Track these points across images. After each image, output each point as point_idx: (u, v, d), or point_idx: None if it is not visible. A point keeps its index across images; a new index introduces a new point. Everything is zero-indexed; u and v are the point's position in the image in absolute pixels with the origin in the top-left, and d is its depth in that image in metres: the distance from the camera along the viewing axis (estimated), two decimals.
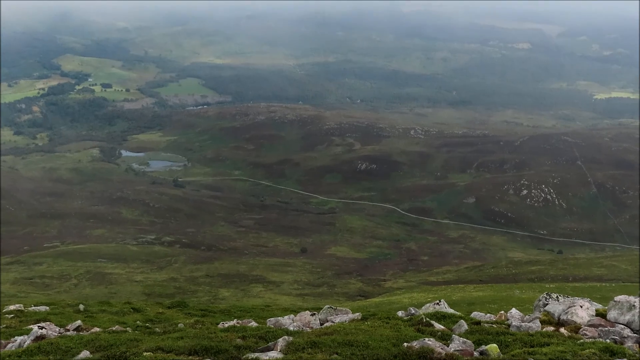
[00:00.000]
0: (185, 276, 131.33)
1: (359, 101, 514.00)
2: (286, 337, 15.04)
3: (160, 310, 33.26)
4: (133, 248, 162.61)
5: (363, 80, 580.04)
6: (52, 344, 15.83)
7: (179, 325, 22.27)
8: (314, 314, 21.13)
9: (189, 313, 32.65)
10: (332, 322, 19.98)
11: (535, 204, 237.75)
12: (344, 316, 20.67)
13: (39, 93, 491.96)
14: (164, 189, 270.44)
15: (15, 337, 18.84)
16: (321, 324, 19.99)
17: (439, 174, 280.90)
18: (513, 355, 14.60)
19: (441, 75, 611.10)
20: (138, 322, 26.42)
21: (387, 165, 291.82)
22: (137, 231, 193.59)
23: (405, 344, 15.20)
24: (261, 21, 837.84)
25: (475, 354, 15.29)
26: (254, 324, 20.47)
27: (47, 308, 29.34)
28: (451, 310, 21.18)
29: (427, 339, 15.53)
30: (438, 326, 18.15)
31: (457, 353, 14.82)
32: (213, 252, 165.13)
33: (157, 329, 21.43)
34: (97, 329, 21.27)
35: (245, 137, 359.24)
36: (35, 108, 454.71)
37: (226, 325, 20.62)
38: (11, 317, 25.25)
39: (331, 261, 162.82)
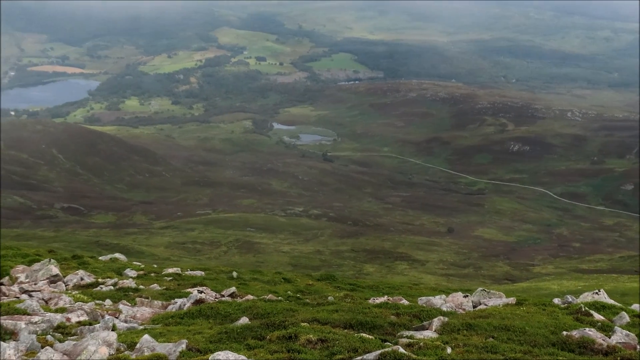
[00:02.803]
0: (330, 249, 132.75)
1: (514, 80, 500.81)
2: (441, 317, 14.84)
3: (310, 282, 33.65)
4: (281, 219, 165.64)
5: (518, 59, 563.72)
6: (212, 308, 16.28)
7: (329, 298, 22.42)
8: (467, 295, 20.81)
9: (337, 286, 32.89)
10: (485, 305, 19.60)
11: None
12: (497, 300, 20.23)
13: (196, 64, 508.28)
14: (313, 163, 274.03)
15: (175, 299, 19.50)
16: (474, 307, 19.65)
17: (595, 159, 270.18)
18: None
19: (602, 55, 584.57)
20: (289, 292, 26.81)
21: (540, 147, 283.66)
22: (286, 203, 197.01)
23: (564, 332, 14.68)
24: None
25: (639, 347, 14.60)
26: (405, 301, 20.32)
27: (203, 273, 30.23)
28: (611, 301, 20.33)
29: (587, 328, 14.94)
30: (597, 316, 17.45)
31: (619, 345, 14.19)
32: (359, 227, 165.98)
33: (307, 300, 21.65)
34: (250, 297, 21.72)
35: (395, 113, 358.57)
36: (192, 79, 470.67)
37: (377, 301, 20.56)
38: (170, 280, 26.18)
39: (478, 242, 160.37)
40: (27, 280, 23.01)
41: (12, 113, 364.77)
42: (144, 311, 17.32)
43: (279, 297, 22.96)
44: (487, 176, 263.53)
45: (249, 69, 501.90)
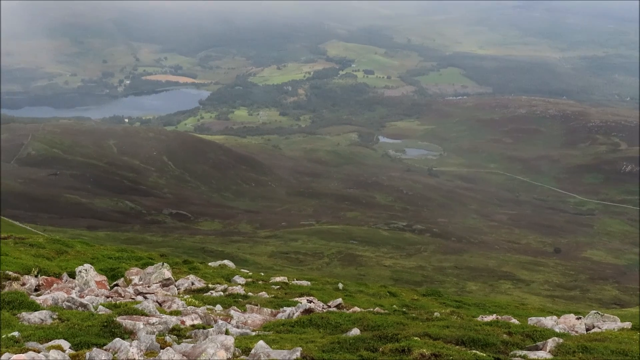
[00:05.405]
0: (433, 265, 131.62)
1: (628, 99, 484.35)
2: (556, 338, 14.49)
3: (415, 297, 33.45)
4: (384, 233, 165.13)
5: (634, 77, 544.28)
6: (322, 317, 16.37)
7: (435, 313, 22.22)
8: (580, 317, 20.27)
9: (443, 303, 32.59)
10: (599, 328, 19.04)
11: None
12: (611, 324, 19.62)
13: (304, 76, 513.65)
14: (417, 177, 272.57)
15: (284, 307, 19.68)
16: (587, 329, 19.12)
17: None
18: None
19: None
20: (394, 306, 26.69)
21: None
22: (389, 216, 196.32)
23: None
24: (527, 11, 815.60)
25: None
26: (515, 321, 19.96)
27: (309, 283, 30.40)
28: None
29: None
30: None
31: None
32: (463, 244, 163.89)
33: (413, 314, 21.53)
34: (357, 309, 21.70)
35: (503, 130, 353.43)
36: (300, 91, 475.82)
37: (486, 319, 20.27)
38: (277, 288, 26.47)
39: (586, 264, 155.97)
40: (141, 282, 23.67)
41: (126, 120, 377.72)
42: (255, 318, 17.58)
43: (386, 310, 22.90)
44: (597, 196, 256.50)
45: (357, 81, 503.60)
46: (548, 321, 19.48)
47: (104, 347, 11.67)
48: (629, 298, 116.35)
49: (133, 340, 12.12)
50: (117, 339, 11.85)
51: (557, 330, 17.70)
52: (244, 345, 12.37)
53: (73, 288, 20.13)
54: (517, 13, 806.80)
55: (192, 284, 24.65)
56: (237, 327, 16.25)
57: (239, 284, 26.60)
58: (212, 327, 14.89)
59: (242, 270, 35.46)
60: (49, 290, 19.25)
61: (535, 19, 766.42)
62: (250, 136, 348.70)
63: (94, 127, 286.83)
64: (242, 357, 11.67)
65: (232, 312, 18.33)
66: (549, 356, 13.55)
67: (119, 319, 13.75)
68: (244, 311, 19.23)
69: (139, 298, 19.70)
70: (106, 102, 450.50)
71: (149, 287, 22.59)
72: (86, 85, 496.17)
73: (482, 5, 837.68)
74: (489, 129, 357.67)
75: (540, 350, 14.13)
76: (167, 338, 12.90)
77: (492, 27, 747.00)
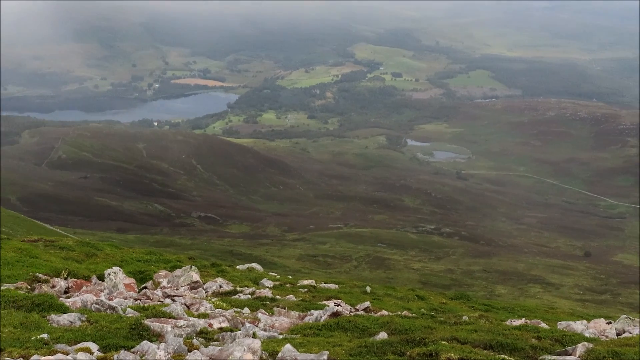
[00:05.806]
0: (462, 269, 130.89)
1: None
2: (586, 343, 14.32)
3: (444, 301, 33.34)
4: (412, 236, 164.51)
5: None
6: (350, 321, 16.31)
7: (463, 317, 22.07)
8: (610, 322, 20.06)
9: (472, 306, 32.41)
10: (630, 333, 18.80)
11: None
12: None
13: (332, 79, 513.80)
14: (446, 180, 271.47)
15: (312, 310, 19.64)
16: (617, 334, 18.90)
17: None
18: None
19: None
20: (422, 309, 26.59)
21: None
22: (417, 220, 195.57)
23: None
24: (555, 13, 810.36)
25: None
26: (544, 325, 19.76)
27: (337, 286, 30.34)
28: None
29: None
30: None
31: None
32: (492, 248, 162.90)
33: (441, 318, 21.39)
34: (385, 312, 21.63)
35: (532, 132, 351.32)
36: (328, 94, 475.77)
37: (515, 323, 20.12)
38: (305, 291, 26.43)
39: (617, 268, 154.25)
40: (169, 285, 23.75)
41: (155, 124, 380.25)
42: (282, 321, 17.55)
43: (414, 314, 22.81)
44: (628, 199, 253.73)
45: (385, 84, 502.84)
46: (578, 326, 19.30)
47: (132, 350, 11.72)
48: None
49: (161, 343, 12.16)
50: (145, 341, 11.89)
51: (587, 335, 17.50)
52: (271, 348, 12.36)
53: (102, 291, 20.24)
54: (545, 15, 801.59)
55: (220, 286, 24.68)
56: (265, 330, 16.24)
57: (267, 287, 26.60)
58: (240, 330, 14.90)
59: (269, 273, 35.48)
60: (78, 293, 19.39)
61: (564, 21, 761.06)
62: (279, 139, 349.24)
63: (123, 130, 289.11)
64: None
65: (259, 315, 18.33)
66: None
67: (147, 322, 13.79)
68: (272, 314, 19.23)
69: (167, 301, 19.78)
70: (135, 106, 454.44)
71: (177, 290, 22.68)
72: (116, 89, 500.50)
73: (510, 7, 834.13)
74: (518, 131, 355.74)
75: (570, 355, 13.98)
76: (195, 341, 12.93)
77: (521, 29, 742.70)
